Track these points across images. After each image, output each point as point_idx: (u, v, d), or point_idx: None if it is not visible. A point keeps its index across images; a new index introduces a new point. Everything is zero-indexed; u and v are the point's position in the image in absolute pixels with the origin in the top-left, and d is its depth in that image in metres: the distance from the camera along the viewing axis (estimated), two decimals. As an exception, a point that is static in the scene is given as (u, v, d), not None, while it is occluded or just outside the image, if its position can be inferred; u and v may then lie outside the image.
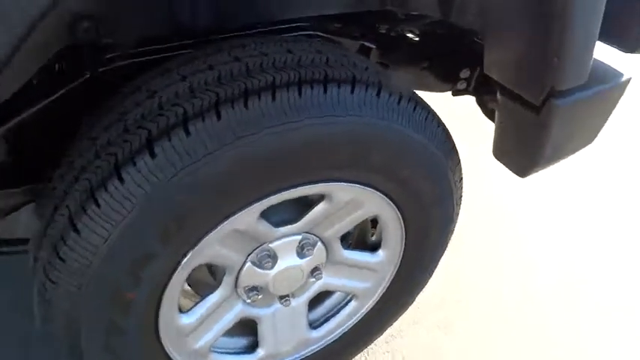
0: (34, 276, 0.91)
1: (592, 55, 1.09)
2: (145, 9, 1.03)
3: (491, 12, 1.13)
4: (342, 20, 1.39)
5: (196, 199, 0.86)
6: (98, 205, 0.81)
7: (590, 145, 1.33)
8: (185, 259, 0.94)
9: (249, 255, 1.08)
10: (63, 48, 0.87)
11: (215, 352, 1.19)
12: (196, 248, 0.94)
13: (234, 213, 0.93)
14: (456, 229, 1.32)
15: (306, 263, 1.15)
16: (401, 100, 1.00)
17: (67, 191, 0.85)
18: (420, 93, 1.18)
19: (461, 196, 1.27)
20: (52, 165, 1.02)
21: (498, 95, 1.21)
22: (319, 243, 1.15)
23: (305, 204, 1.09)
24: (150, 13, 1.05)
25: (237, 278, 1.10)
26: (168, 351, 1.06)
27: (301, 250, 1.13)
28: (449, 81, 1.55)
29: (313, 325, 1.32)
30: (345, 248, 1.22)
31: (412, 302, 1.42)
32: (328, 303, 1.34)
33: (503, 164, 1.30)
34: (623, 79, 1.25)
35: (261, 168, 0.88)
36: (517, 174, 1.30)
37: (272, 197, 0.95)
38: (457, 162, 1.19)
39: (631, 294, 1.87)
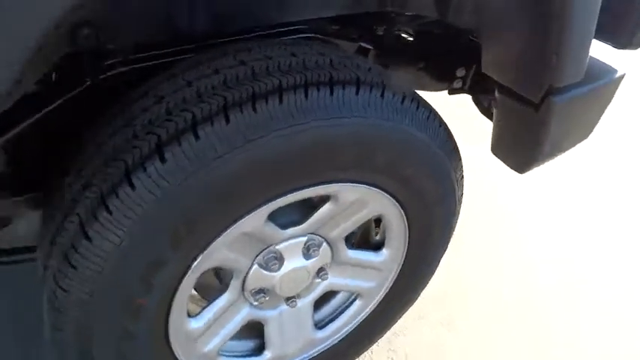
0: (44, 284, 0.91)
1: (588, 52, 1.11)
2: (144, 14, 1.03)
3: (489, 12, 1.14)
4: (340, 22, 1.40)
5: (206, 202, 0.86)
6: (109, 212, 0.82)
7: (590, 144, 1.35)
8: (195, 263, 0.94)
9: (255, 257, 1.08)
10: (62, 56, 0.87)
11: (223, 355, 1.19)
12: (206, 252, 0.94)
13: (242, 216, 0.93)
14: (457, 227, 1.33)
15: (312, 264, 1.16)
16: (404, 100, 1.01)
17: (77, 199, 0.85)
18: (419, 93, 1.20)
19: (462, 194, 1.29)
20: (54, 174, 1.02)
21: (496, 93, 1.23)
22: (324, 243, 1.16)
23: (308, 205, 1.10)
24: (149, 19, 1.05)
25: (244, 281, 1.10)
26: (177, 356, 1.07)
27: (307, 251, 1.14)
28: (445, 80, 1.56)
29: (319, 325, 1.33)
30: (349, 248, 1.23)
31: (415, 300, 1.43)
32: (333, 303, 1.35)
33: (502, 161, 1.32)
34: (617, 75, 1.27)
35: (270, 170, 0.89)
36: (516, 170, 1.32)
37: (280, 199, 0.95)
38: (458, 160, 1.21)
39: (631, 293, 1.89)
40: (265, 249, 1.08)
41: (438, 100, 1.47)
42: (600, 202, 2.29)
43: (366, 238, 1.32)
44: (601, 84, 1.22)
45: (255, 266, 1.09)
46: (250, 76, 0.88)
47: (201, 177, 0.83)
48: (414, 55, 1.52)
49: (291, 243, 1.10)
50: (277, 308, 1.21)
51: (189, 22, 1.12)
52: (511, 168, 1.32)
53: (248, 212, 0.93)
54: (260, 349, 1.27)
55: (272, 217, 1.01)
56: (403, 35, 1.56)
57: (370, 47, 1.42)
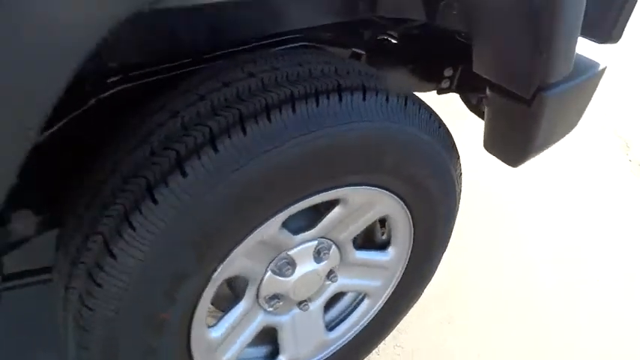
0: (66, 305, 0.91)
1: (575, 48, 1.16)
2: (147, 31, 1.04)
3: (478, 14, 1.19)
4: (332, 29, 1.43)
5: (227, 213, 0.88)
6: (133, 228, 0.83)
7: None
8: (215, 274, 0.96)
9: (269, 264, 1.10)
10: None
11: (243, 363, 1.21)
12: (225, 262, 0.96)
13: (260, 224, 0.95)
14: (457, 225, 1.37)
15: (323, 267, 1.18)
16: (407, 103, 1.04)
17: (97, 218, 0.86)
18: (417, 94, 1.24)
19: (461, 191, 1.33)
20: (65, 194, 1.02)
21: (488, 91, 1.27)
22: (333, 246, 1.18)
23: (315, 209, 1.12)
24: (151, 35, 1.06)
25: (258, 288, 1.12)
26: (199, 366, 1.08)
27: (318, 255, 1.16)
28: (433, 80, 1.60)
29: (329, 326, 1.35)
30: (356, 249, 1.26)
31: (420, 296, 1.47)
32: (342, 304, 1.38)
33: (495, 156, 1.37)
34: (600, 68, 1.34)
35: (287, 178, 0.91)
36: (509, 164, 1.37)
37: (295, 206, 0.98)
38: (457, 158, 1.25)
39: (631, 293, 1.94)
40: (278, 255, 1.10)
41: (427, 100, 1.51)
42: (600, 199, 2.35)
43: (370, 238, 1.35)
44: (586, 77, 1.28)
45: (269, 273, 1.11)
46: (261, 88, 0.90)
47: (221, 189, 0.85)
48: (403, 57, 1.56)
49: (302, 248, 1.12)
50: (290, 313, 1.23)
51: (189, 36, 1.13)
52: (504, 162, 1.36)
53: (265, 220, 0.95)
54: (274, 354, 1.29)
55: (284, 223, 1.04)
56: (391, 39, 1.60)
57: (362, 52, 1.46)
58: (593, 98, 1.40)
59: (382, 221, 1.29)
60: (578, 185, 2.43)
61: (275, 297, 1.16)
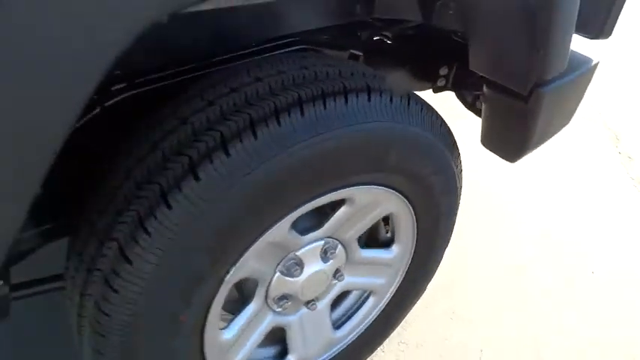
0: (82, 312, 0.92)
1: (570, 44, 1.19)
2: (150, 38, 1.05)
3: (475, 14, 1.21)
4: (328, 32, 1.44)
5: (239, 216, 0.90)
6: (148, 234, 0.84)
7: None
8: (227, 276, 0.97)
9: (277, 265, 1.12)
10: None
11: (252, 364, 1.22)
12: (237, 265, 0.97)
13: (271, 226, 0.97)
14: (458, 224, 1.40)
15: (329, 267, 1.20)
16: (410, 103, 1.06)
17: (112, 225, 0.87)
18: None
19: (461, 187, 1.35)
20: (75, 203, 1.03)
21: (485, 88, 1.30)
22: (339, 245, 1.20)
23: (320, 210, 1.14)
24: (153, 42, 1.07)
25: (267, 289, 1.14)
26: (211, 368, 1.09)
27: (325, 255, 1.18)
28: (429, 79, 1.63)
29: (336, 325, 1.37)
30: (361, 248, 1.28)
31: (424, 291, 1.49)
32: (347, 302, 1.40)
33: (493, 152, 1.39)
34: (593, 63, 1.37)
35: (297, 180, 0.93)
36: (507, 160, 1.39)
37: (304, 207, 1.00)
38: (458, 155, 1.27)
39: (631, 288, 1.97)
40: (286, 256, 1.11)
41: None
42: (593, 193, 2.39)
43: (374, 236, 1.37)
44: (581, 73, 1.31)
45: (278, 274, 1.12)
46: (269, 92, 0.92)
47: (234, 192, 0.86)
48: (399, 57, 1.58)
49: (310, 248, 1.14)
50: (298, 313, 1.25)
51: (192, 43, 1.14)
52: (502, 158, 1.39)
53: (276, 222, 0.97)
54: (282, 354, 1.31)
55: (292, 224, 1.05)
56: (387, 40, 1.62)
57: (360, 54, 1.47)
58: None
59: (385, 219, 1.31)
60: (571, 180, 2.47)
61: (284, 297, 1.17)
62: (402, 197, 1.17)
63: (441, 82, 1.63)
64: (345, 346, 1.39)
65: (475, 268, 1.94)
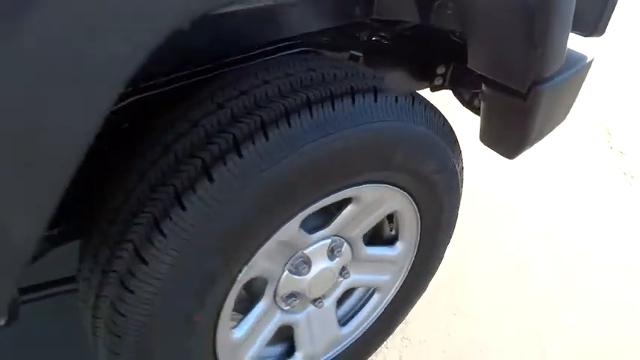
0: (97, 313, 0.93)
1: (567, 42, 1.22)
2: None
3: (473, 14, 1.23)
4: (327, 33, 1.46)
5: (252, 216, 0.91)
6: (164, 235, 0.85)
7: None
8: (240, 276, 0.99)
9: (285, 264, 1.13)
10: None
11: (262, 362, 1.24)
12: (249, 264, 0.99)
13: (282, 225, 0.99)
14: (459, 222, 1.42)
15: (336, 264, 1.22)
16: (414, 103, 1.09)
17: (126, 227, 0.88)
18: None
19: (463, 184, 1.38)
20: (82, 206, 1.04)
21: (483, 86, 1.32)
22: (345, 244, 1.22)
23: (325, 209, 1.16)
24: (159, 47, 1.08)
25: (276, 288, 1.15)
26: (223, 367, 1.11)
27: (331, 253, 1.20)
28: (427, 79, 1.65)
29: (342, 322, 1.39)
30: (366, 245, 1.30)
31: (426, 288, 1.51)
32: (352, 300, 1.42)
33: (492, 149, 1.42)
34: (588, 60, 1.40)
35: (307, 179, 0.95)
36: (506, 157, 1.42)
37: (313, 206, 1.01)
38: (459, 153, 1.30)
39: (631, 284, 2.00)
40: (294, 255, 1.13)
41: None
42: (588, 189, 2.43)
43: (378, 234, 1.39)
44: (577, 70, 1.34)
45: (286, 272, 1.14)
46: (278, 94, 0.94)
47: (247, 192, 0.88)
48: (397, 57, 1.60)
49: (317, 246, 1.16)
50: (305, 311, 1.27)
51: (196, 47, 1.16)
52: (501, 155, 1.41)
53: (287, 221, 0.99)
54: (290, 351, 1.33)
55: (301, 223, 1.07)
56: (385, 40, 1.64)
57: (360, 54, 1.50)
58: (577, 89, 1.46)
59: (389, 217, 1.33)
60: (566, 176, 2.50)
61: (292, 295, 1.19)
62: (407, 195, 1.19)
63: (438, 81, 1.65)
64: (351, 343, 1.41)
65: (476, 266, 1.97)
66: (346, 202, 1.13)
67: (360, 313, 1.41)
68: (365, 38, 1.57)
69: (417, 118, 1.09)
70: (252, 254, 0.98)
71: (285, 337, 1.31)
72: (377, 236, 1.39)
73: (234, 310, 1.26)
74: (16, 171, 0.60)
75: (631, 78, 3.35)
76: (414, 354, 1.64)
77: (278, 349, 1.33)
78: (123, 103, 1.11)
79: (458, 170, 1.27)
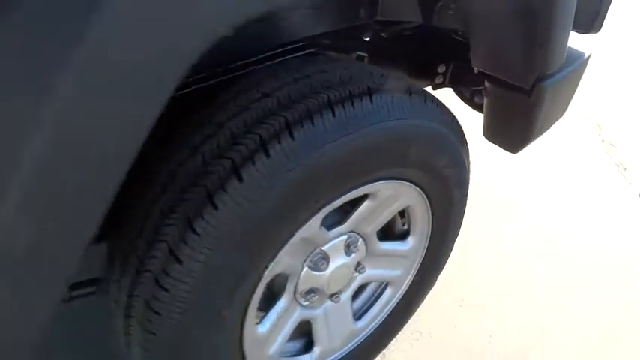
0: (130, 312, 0.96)
1: (568, 40, 1.27)
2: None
3: (477, 14, 1.28)
4: (332, 35, 1.50)
5: (279, 214, 0.95)
6: (197, 234, 0.88)
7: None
8: (266, 272, 1.02)
9: (305, 260, 1.17)
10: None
11: (283, 357, 1.27)
12: (275, 260, 1.02)
13: (306, 221, 1.02)
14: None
15: (352, 260, 1.26)
16: (426, 100, 1.13)
17: (159, 227, 0.91)
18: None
19: (470, 179, 1.42)
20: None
21: (486, 83, 1.37)
22: (360, 239, 1.26)
23: (342, 206, 1.19)
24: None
25: (296, 284, 1.19)
26: (249, 362, 1.14)
27: (348, 248, 1.23)
28: (428, 77, 1.69)
29: (356, 316, 1.43)
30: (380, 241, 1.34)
31: (436, 281, 1.56)
32: (365, 294, 1.46)
33: (496, 144, 1.47)
34: (586, 56, 1.46)
35: (330, 177, 0.99)
36: (509, 151, 1.47)
37: (335, 202, 1.05)
38: (467, 149, 1.34)
39: (632, 280, 2.05)
40: (313, 251, 1.17)
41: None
42: (583, 183, 2.49)
43: (390, 229, 1.42)
44: (576, 66, 1.39)
45: (306, 268, 1.18)
46: (300, 95, 0.97)
47: (274, 191, 0.92)
48: (399, 56, 1.64)
49: (335, 242, 1.19)
50: (323, 306, 1.30)
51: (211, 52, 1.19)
52: (505, 150, 1.47)
53: (310, 218, 1.02)
54: (308, 346, 1.36)
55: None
56: (387, 40, 1.68)
57: (365, 55, 1.54)
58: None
59: (400, 212, 1.37)
60: (561, 170, 2.56)
61: (311, 291, 1.22)
62: (420, 190, 1.23)
63: (438, 80, 1.69)
64: (366, 337, 1.45)
65: (478, 259, 2.01)
66: (362, 198, 1.17)
67: (373, 307, 1.45)
68: (369, 39, 1.62)
69: (429, 114, 1.13)
70: (278, 251, 1.01)
71: (304, 332, 1.35)
72: (389, 231, 1.43)
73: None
74: (81, 171, 0.63)
75: (618, 73, 3.44)
76: (425, 345, 1.68)
77: (297, 344, 1.36)
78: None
79: (467, 164, 1.31)
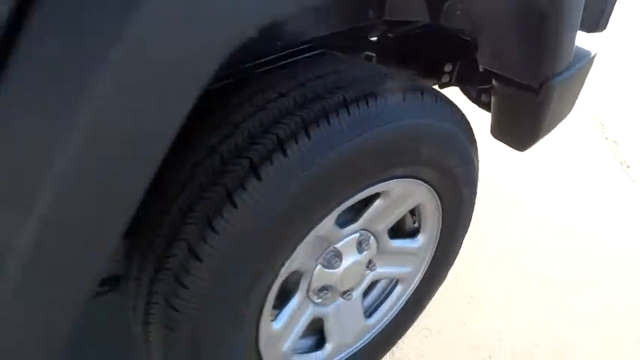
0: (149, 309, 0.97)
1: (575, 39, 1.29)
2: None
3: (485, 14, 1.29)
4: (340, 35, 1.51)
5: (296, 212, 0.96)
6: (216, 232, 0.90)
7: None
8: (282, 270, 1.04)
9: (318, 258, 1.18)
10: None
11: (295, 354, 1.29)
12: (291, 258, 1.04)
13: (321, 220, 1.04)
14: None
15: (364, 257, 1.28)
16: (437, 99, 1.15)
17: (178, 226, 0.93)
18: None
19: (478, 177, 1.44)
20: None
21: (494, 82, 1.38)
22: (372, 237, 1.28)
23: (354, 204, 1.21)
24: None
25: (309, 281, 1.20)
26: (264, 358, 1.15)
27: (360, 246, 1.25)
28: (434, 76, 1.71)
29: (367, 313, 1.44)
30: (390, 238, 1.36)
31: (445, 278, 1.57)
32: (375, 291, 1.47)
33: (503, 142, 1.48)
34: (592, 55, 1.47)
35: (345, 176, 1.00)
36: (517, 149, 1.49)
37: (349, 200, 1.07)
38: (476, 147, 1.36)
39: (634, 268, 2.08)
40: (326, 249, 1.18)
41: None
42: (588, 180, 2.51)
43: (400, 227, 1.44)
44: (582, 65, 1.41)
45: (319, 266, 1.19)
46: (315, 95, 0.99)
47: (292, 190, 0.93)
48: (406, 56, 1.66)
49: (347, 240, 1.21)
50: (335, 303, 1.32)
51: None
52: (513, 148, 1.48)
53: (325, 216, 1.04)
54: (319, 343, 1.37)
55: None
56: (394, 40, 1.70)
57: (374, 55, 1.55)
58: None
59: (410, 210, 1.39)
60: (567, 167, 2.58)
61: (324, 289, 1.24)
62: (431, 188, 1.25)
63: (445, 79, 1.71)
64: (376, 333, 1.46)
65: (485, 256, 2.03)
66: (374, 197, 1.19)
67: (384, 304, 1.47)
68: (377, 39, 1.63)
69: (440, 113, 1.14)
70: (294, 249, 1.03)
71: (315, 329, 1.36)
72: (400, 229, 1.45)
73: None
74: (116, 168, 0.64)
75: (621, 71, 3.46)
76: (434, 342, 1.70)
77: (308, 341, 1.38)
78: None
79: (476, 163, 1.33)
